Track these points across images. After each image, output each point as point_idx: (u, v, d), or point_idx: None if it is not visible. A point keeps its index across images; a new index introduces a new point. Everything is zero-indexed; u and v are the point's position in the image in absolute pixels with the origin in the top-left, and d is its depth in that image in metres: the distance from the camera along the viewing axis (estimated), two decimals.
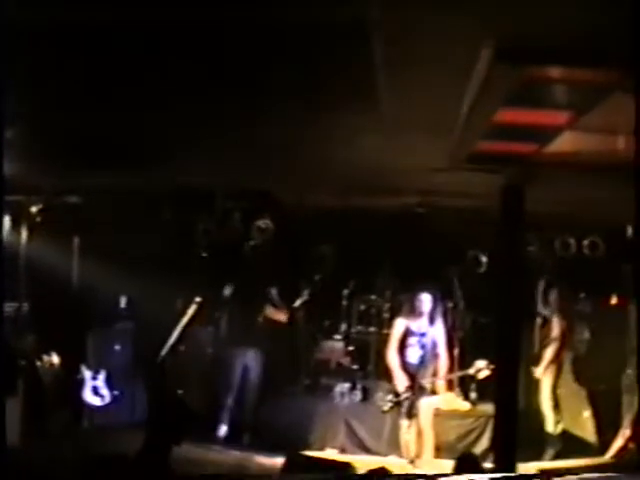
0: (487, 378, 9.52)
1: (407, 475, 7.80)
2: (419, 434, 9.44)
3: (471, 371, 9.58)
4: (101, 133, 7.44)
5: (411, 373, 9.62)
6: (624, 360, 10.47)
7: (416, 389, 9.47)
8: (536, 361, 10.65)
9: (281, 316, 10.96)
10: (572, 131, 6.26)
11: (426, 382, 9.53)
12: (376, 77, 5.48)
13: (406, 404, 9.45)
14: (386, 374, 10.06)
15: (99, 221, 10.89)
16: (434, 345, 9.68)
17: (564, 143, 6.56)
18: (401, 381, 9.57)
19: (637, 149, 5.20)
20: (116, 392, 11.09)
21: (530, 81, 5.09)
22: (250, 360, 10.65)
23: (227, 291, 10.87)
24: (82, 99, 6.32)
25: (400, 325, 9.83)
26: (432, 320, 9.71)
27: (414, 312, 9.74)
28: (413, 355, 9.70)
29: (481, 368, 9.39)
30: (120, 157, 8.29)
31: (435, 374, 9.68)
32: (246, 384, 10.63)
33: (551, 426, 10.53)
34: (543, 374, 10.60)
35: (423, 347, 9.65)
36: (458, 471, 5.67)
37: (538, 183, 7.48)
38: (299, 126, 6.95)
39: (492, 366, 9.05)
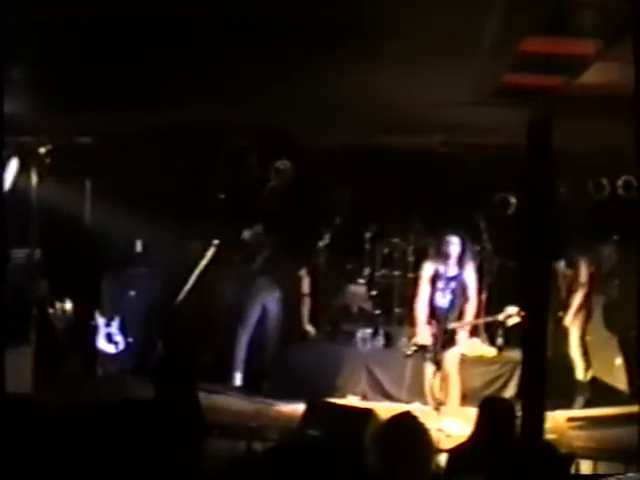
0: (515, 325, 9.49)
1: None
2: (444, 380, 9.44)
3: (500, 317, 9.52)
4: (111, 70, 7.37)
5: (439, 317, 9.57)
6: None
7: (443, 334, 9.42)
8: (564, 307, 10.61)
9: (306, 287, 10.96)
10: (603, 62, 6.15)
11: (454, 326, 9.49)
12: (394, 7, 5.39)
13: (432, 349, 9.43)
14: (411, 319, 10.04)
15: (112, 162, 10.86)
16: (464, 289, 9.62)
17: (594, 75, 6.44)
18: (424, 335, 9.52)
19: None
20: (130, 339, 11.16)
21: (556, 7, 4.99)
22: (270, 302, 10.68)
23: (246, 234, 10.87)
24: (93, 36, 6.27)
25: (429, 269, 9.73)
26: (461, 263, 9.62)
27: (442, 255, 9.64)
28: (442, 299, 9.64)
29: (511, 314, 9.31)
30: (133, 95, 8.22)
31: (463, 318, 9.62)
32: (265, 327, 10.68)
33: (580, 373, 10.51)
34: (572, 321, 10.56)
35: (453, 291, 9.59)
36: (483, 415, 5.67)
37: (567, 119, 7.37)
38: (316, 63, 6.87)
39: (523, 313, 8.96)
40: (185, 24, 5.95)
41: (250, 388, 10.48)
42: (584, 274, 10.55)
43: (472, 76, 6.85)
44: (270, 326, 10.71)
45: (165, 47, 6.58)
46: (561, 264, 10.80)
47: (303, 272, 11.17)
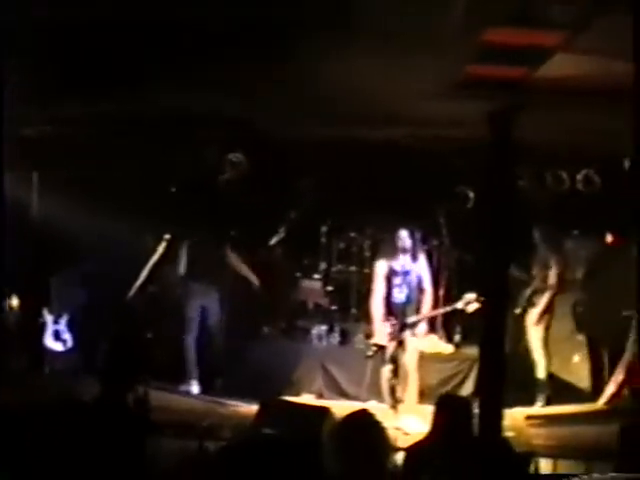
0: (473, 320, 9.50)
1: None
2: (402, 378, 9.43)
3: (459, 305, 9.46)
4: (64, 59, 7.28)
5: (397, 313, 9.56)
6: (620, 302, 10.49)
7: (401, 330, 9.41)
8: (528, 304, 10.59)
9: (243, 268, 10.88)
10: (566, 53, 6.18)
11: (412, 320, 9.48)
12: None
13: (391, 346, 9.42)
14: (367, 317, 10.02)
15: (61, 154, 10.71)
16: (419, 281, 9.64)
17: (556, 66, 6.47)
18: (382, 333, 9.51)
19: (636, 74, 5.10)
20: (79, 336, 11.03)
21: None
22: (209, 301, 10.62)
23: (193, 228, 10.83)
24: (47, 23, 6.18)
25: (383, 267, 9.74)
26: (414, 257, 9.65)
27: (395, 251, 9.67)
28: (399, 294, 9.64)
29: (470, 301, 9.27)
30: (83, 83, 8.11)
31: (420, 311, 9.64)
32: (207, 326, 10.62)
33: (542, 372, 10.52)
34: (538, 321, 10.54)
35: (408, 285, 9.59)
36: (440, 413, 5.67)
37: (528, 111, 7.40)
38: (279, 55, 6.84)
39: (482, 298, 8.94)
40: (146, 12, 5.90)
41: (203, 387, 10.45)
42: (553, 275, 10.54)
43: (436, 68, 6.85)
44: (212, 325, 10.66)
45: (121, 34, 6.52)
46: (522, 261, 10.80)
47: (230, 254, 11.03)
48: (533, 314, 10.55)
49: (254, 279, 10.97)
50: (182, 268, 10.76)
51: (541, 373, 10.51)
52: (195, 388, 10.46)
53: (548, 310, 10.57)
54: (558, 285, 10.57)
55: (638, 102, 5.18)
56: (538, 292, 10.57)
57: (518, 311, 10.54)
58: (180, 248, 10.72)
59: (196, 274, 10.65)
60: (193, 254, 10.72)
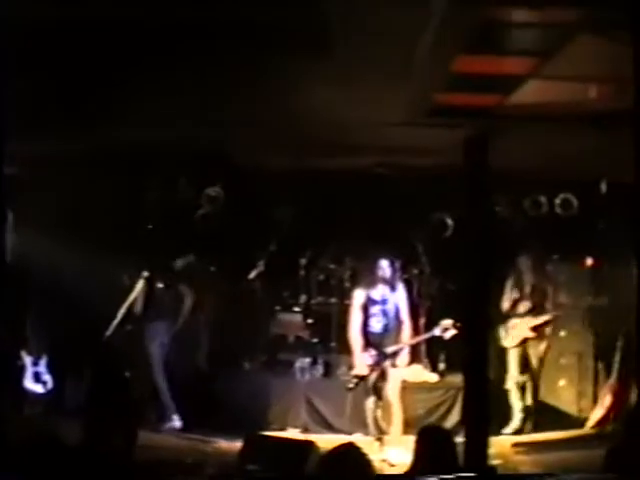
0: (457, 348, 9.53)
1: None
2: (387, 409, 9.46)
3: (437, 332, 9.55)
4: (33, 94, 7.29)
5: (375, 343, 9.61)
6: (601, 325, 10.58)
7: (382, 360, 9.46)
8: (536, 335, 10.58)
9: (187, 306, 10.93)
10: (537, 79, 6.27)
11: (391, 350, 9.52)
12: (329, 26, 5.45)
13: (372, 378, 9.46)
14: (348, 348, 10.05)
15: (36, 191, 10.71)
16: (397, 312, 9.69)
17: (529, 93, 6.56)
18: (362, 364, 9.56)
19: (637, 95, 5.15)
20: (59, 378, 10.98)
21: (489, 24, 5.07)
22: (167, 338, 10.70)
23: (179, 263, 10.85)
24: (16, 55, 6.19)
25: (360, 296, 9.80)
26: (392, 286, 9.71)
27: (374, 280, 9.73)
28: (376, 324, 9.69)
29: (447, 327, 9.35)
30: (56, 119, 8.12)
31: (399, 342, 9.67)
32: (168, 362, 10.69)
33: (528, 398, 10.54)
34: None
35: (385, 315, 9.65)
36: (422, 445, 5.68)
37: (504, 137, 7.48)
38: (249, 84, 6.89)
39: (459, 324, 9.01)
40: (113, 43, 5.92)
41: (185, 424, 10.44)
42: (550, 302, 10.58)
43: (407, 96, 6.92)
44: (171, 362, 10.72)
45: (87, 66, 6.54)
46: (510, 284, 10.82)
47: (182, 287, 11.04)
48: (539, 345, 10.58)
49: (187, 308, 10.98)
50: (138, 306, 10.80)
51: (529, 400, 10.52)
52: (177, 423, 10.45)
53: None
54: (556, 312, 10.60)
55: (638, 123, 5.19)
56: (539, 321, 10.56)
57: (514, 342, 10.59)
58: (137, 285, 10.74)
59: (152, 312, 10.72)
60: (149, 291, 10.76)
